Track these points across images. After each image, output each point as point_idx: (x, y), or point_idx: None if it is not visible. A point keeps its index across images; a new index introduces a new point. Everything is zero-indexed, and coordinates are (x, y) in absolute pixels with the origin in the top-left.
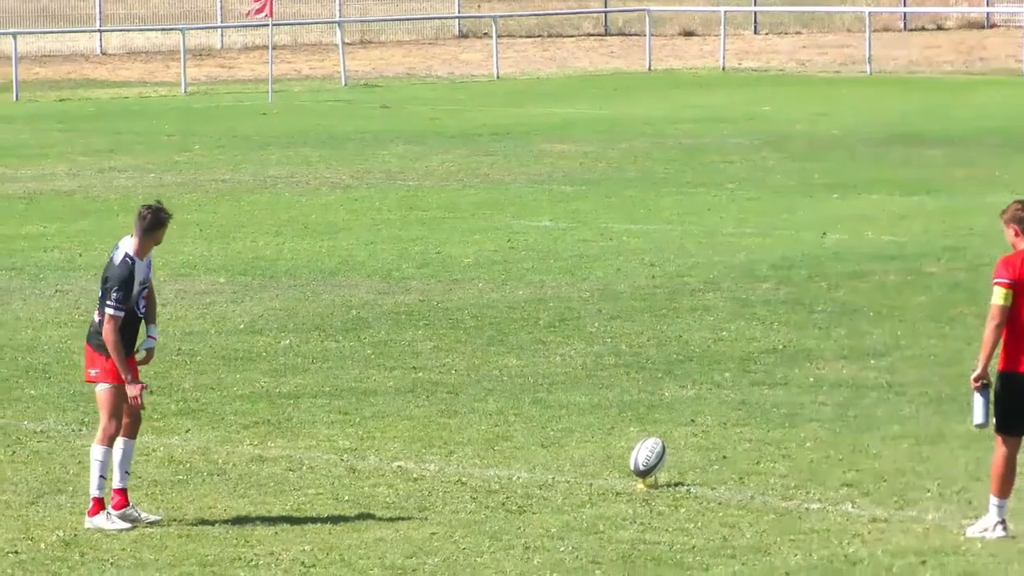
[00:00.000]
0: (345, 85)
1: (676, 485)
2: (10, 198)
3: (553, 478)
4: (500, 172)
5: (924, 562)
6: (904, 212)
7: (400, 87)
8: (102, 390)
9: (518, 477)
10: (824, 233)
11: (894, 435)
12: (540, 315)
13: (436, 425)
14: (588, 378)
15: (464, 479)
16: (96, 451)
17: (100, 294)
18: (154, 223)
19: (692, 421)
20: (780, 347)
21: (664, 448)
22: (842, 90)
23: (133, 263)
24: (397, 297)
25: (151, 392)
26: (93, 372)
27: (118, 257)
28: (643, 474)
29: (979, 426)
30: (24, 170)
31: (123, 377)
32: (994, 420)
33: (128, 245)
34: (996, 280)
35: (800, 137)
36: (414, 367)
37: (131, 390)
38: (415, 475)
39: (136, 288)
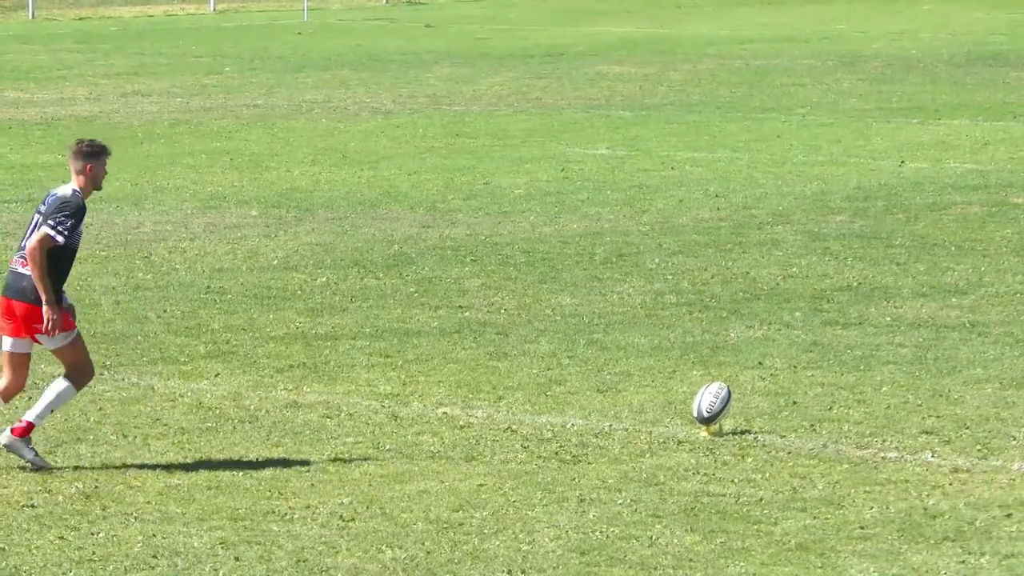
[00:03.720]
0: (386, 2)
1: (742, 433)
2: (26, 124)
3: (610, 425)
4: (553, 96)
5: (1009, 515)
6: (988, 138)
7: (446, 4)
8: (64, 342)
9: (572, 424)
10: (902, 161)
11: (977, 379)
12: (596, 250)
13: (484, 368)
14: (648, 318)
15: (514, 426)
16: (62, 386)
17: (33, 227)
18: (94, 149)
19: (760, 364)
20: (854, 284)
21: (729, 393)
22: (923, 6)
23: (81, 199)
24: (442, 231)
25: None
26: (43, 326)
27: (65, 191)
28: (707, 421)
29: None
30: (41, 94)
31: (45, 297)
32: None
33: (70, 186)
34: None
35: (877, 57)
36: (460, 306)
37: (49, 313)
38: (462, 422)
39: (79, 229)
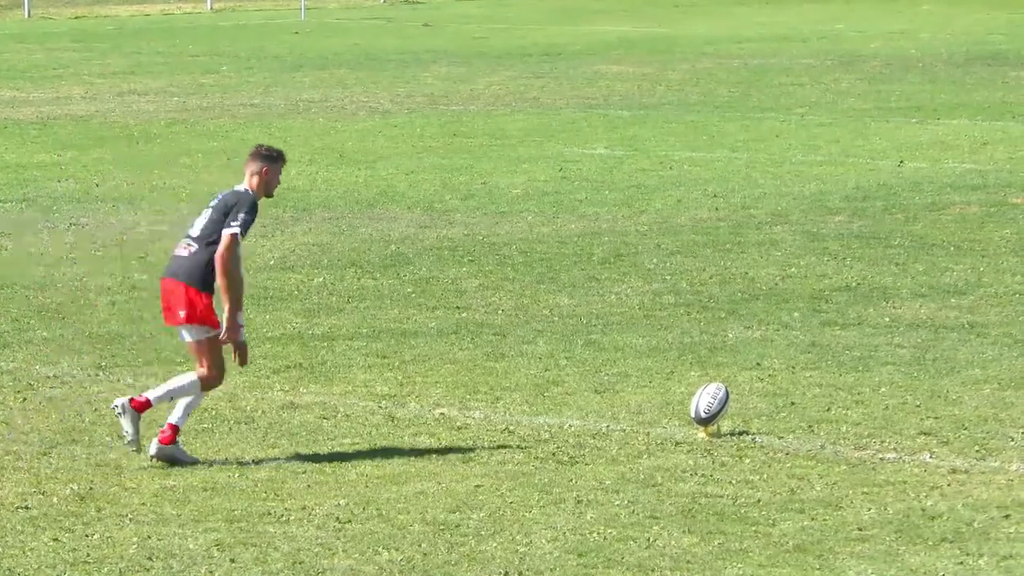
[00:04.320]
0: (384, 2)
1: (740, 434)
2: (22, 123)
3: (607, 426)
4: (551, 96)
5: (1008, 516)
6: (987, 138)
7: (443, 3)
8: (202, 336)
9: (570, 425)
10: (901, 161)
11: (976, 379)
12: (594, 250)
13: (481, 369)
14: (645, 318)
15: (512, 427)
16: (193, 389)
17: (202, 220)
18: (272, 154)
19: (758, 364)
20: (853, 285)
21: (727, 394)
22: (922, 6)
23: (254, 198)
24: (440, 231)
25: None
26: (183, 313)
27: (238, 189)
28: (705, 422)
29: None
30: (37, 93)
31: (228, 306)
32: None
33: (243, 186)
34: None
35: (875, 57)
36: (458, 307)
37: (228, 321)
38: (459, 423)
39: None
